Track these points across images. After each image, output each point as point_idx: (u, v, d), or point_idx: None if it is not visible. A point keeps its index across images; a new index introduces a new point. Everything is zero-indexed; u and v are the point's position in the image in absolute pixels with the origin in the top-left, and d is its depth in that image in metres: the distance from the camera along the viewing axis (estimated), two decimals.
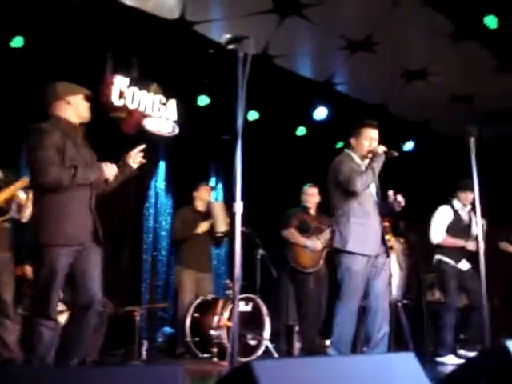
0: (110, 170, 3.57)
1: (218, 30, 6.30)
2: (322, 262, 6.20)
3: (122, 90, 6.37)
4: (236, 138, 2.97)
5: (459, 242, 5.89)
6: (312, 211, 6.43)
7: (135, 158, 3.76)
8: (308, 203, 6.42)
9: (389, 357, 1.93)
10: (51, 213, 3.39)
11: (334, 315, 4.40)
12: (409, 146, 8.77)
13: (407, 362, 1.71)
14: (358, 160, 4.55)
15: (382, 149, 4.43)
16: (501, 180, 8.49)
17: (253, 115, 7.67)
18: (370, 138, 4.52)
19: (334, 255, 4.53)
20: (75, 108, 3.64)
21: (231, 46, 3.15)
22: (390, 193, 4.64)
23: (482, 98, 7.64)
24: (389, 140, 5.45)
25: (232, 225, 2.82)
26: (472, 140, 4.25)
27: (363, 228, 4.38)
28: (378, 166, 4.37)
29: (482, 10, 5.79)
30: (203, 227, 6.24)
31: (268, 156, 8.26)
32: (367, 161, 4.53)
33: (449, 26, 6.09)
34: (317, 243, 6.11)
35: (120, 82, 6.38)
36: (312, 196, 6.40)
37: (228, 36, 3.14)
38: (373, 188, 4.58)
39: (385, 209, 4.65)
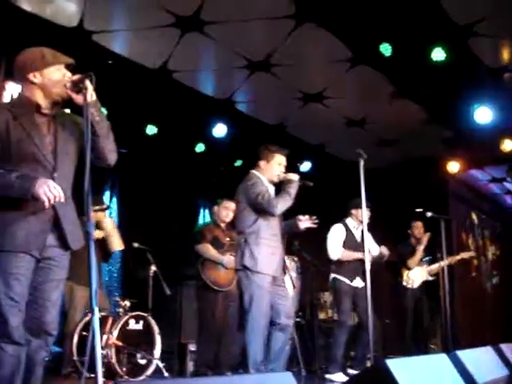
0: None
1: (118, 41, 6.20)
2: (235, 281, 5.86)
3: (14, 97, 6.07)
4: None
5: (356, 255, 6.07)
6: (223, 226, 6.22)
7: None
8: (221, 217, 6.19)
9: (267, 376, 1.92)
10: None
11: (244, 336, 4.44)
12: (306, 166, 8.95)
13: (285, 382, 1.70)
14: (266, 183, 4.66)
15: (296, 176, 4.61)
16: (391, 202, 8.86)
17: (151, 129, 7.56)
18: (280, 163, 4.69)
19: (240, 272, 4.54)
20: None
21: None
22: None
23: (376, 122, 7.95)
24: (286, 160, 5.57)
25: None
26: (361, 162, 4.40)
27: (271, 249, 4.51)
28: (294, 192, 4.54)
29: (378, 38, 6.04)
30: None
31: (166, 171, 8.17)
32: (271, 186, 4.69)
33: (346, 51, 6.30)
34: (232, 261, 5.90)
35: (12, 88, 6.09)
36: (227, 210, 6.16)
37: None
38: None
39: (288, 226, 4.86)
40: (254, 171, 4.72)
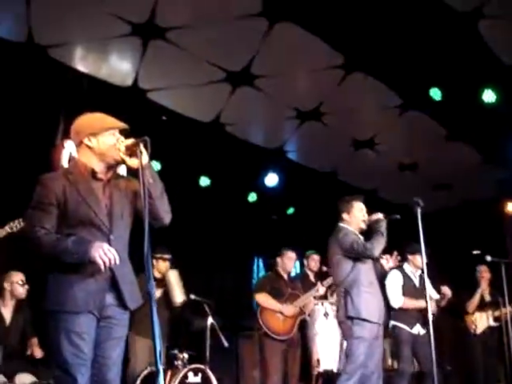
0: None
1: (171, 98, 6.38)
2: (295, 329, 6.04)
3: (73, 155, 6.27)
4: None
5: (419, 303, 5.91)
6: (285, 276, 6.26)
7: None
8: (285, 268, 6.24)
9: None
10: None
11: None
12: None
13: None
14: (356, 232, 4.73)
15: (381, 214, 4.71)
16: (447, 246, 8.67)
17: (204, 181, 7.69)
18: (362, 209, 4.80)
19: (343, 324, 4.61)
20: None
21: None
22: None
23: (429, 166, 7.88)
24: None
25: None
26: (419, 210, 4.36)
27: (370, 296, 4.54)
28: (385, 230, 4.62)
29: (427, 83, 6.06)
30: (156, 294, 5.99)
31: (220, 222, 8.25)
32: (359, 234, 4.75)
33: (395, 98, 6.33)
34: (291, 309, 5.99)
35: (71, 147, 6.30)
36: (291, 260, 6.26)
37: None
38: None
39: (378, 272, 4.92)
40: (341, 224, 4.79)
